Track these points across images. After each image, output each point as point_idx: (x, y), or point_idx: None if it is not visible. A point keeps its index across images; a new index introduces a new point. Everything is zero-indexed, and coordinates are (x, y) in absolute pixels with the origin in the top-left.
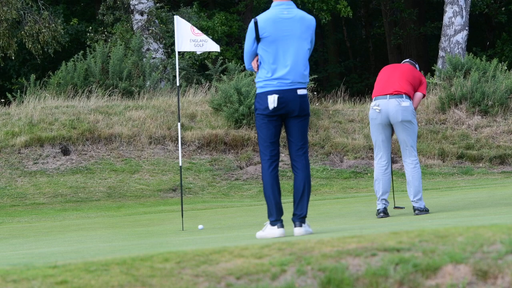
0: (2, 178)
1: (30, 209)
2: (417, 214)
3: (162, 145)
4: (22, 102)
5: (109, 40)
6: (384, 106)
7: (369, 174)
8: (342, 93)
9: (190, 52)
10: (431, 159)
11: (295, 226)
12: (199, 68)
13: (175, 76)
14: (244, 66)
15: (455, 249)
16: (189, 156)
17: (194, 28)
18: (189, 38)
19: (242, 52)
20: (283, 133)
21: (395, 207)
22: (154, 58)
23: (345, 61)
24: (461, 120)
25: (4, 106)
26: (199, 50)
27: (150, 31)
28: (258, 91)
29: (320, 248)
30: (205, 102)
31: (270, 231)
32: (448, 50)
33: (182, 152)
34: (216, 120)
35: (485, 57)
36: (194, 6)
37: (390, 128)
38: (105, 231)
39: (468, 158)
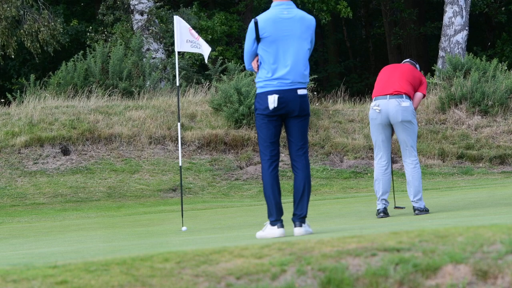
0: (2, 178)
1: (30, 209)
2: (417, 214)
3: (162, 145)
4: (22, 102)
5: (109, 40)
6: (384, 106)
7: (369, 174)
8: (342, 93)
9: (190, 52)
10: (431, 159)
11: (295, 226)
12: (199, 68)
13: (175, 76)
14: (244, 66)
15: (455, 249)
16: (189, 156)
17: (192, 30)
18: (186, 38)
19: (242, 52)
20: (283, 133)
21: (395, 207)
22: (154, 58)
23: (345, 61)
24: (461, 120)
25: (4, 106)
26: (195, 51)
27: (150, 31)
28: (258, 91)
29: (320, 248)
30: (205, 102)
31: (270, 231)
32: (448, 50)
33: (182, 152)
34: (216, 120)
35: (485, 57)
36: (194, 6)
37: (390, 128)
38: (105, 231)
39: (468, 158)
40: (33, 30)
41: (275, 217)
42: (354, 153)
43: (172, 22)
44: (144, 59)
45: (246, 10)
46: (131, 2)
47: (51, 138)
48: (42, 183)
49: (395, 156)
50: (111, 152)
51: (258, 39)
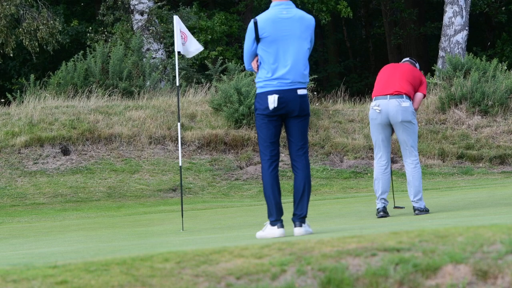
0: (2, 178)
1: (30, 209)
2: (417, 214)
3: (162, 145)
4: (22, 102)
5: (109, 40)
6: (384, 106)
7: (369, 174)
8: (342, 93)
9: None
10: (431, 159)
11: (295, 226)
12: (199, 68)
13: (175, 76)
14: (244, 66)
15: (455, 249)
16: (189, 156)
17: (184, 32)
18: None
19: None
20: (283, 133)
21: (395, 207)
22: (154, 58)
23: (345, 61)
24: (461, 120)
25: (4, 106)
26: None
27: (150, 31)
28: (258, 91)
29: (320, 248)
30: (205, 102)
31: (270, 231)
32: (448, 50)
33: (182, 152)
34: (216, 120)
35: (485, 57)
36: (194, 6)
37: (390, 128)
38: (105, 231)
39: (468, 158)
40: (32, 29)
41: (275, 217)
42: (354, 153)
43: (172, 22)
44: (144, 59)
45: (246, 10)
46: (131, 2)
47: (51, 138)
48: (42, 183)
49: (395, 156)
50: (111, 152)
51: (257, 39)
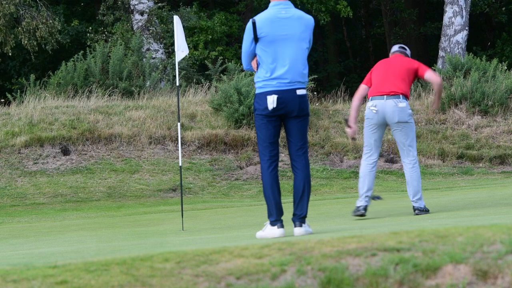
0: (2, 178)
1: (30, 209)
2: (417, 214)
3: (162, 145)
4: (22, 102)
5: (109, 40)
6: (381, 107)
7: None
8: (342, 93)
9: (190, 52)
10: (431, 159)
11: (295, 226)
12: (199, 68)
13: (175, 76)
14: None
15: (455, 249)
16: (189, 156)
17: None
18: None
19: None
20: (282, 133)
21: (373, 197)
22: (154, 58)
23: (345, 61)
24: (461, 120)
25: (4, 106)
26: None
27: (150, 31)
28: (257, 91)
29: (320, 248)
30: (205, 102)
31: (270, 231)
32: (448, 50)
33: (182, 152)
34: (216, 120)
35: (485, 57)
36: (194, 6)
37: (384, 128)
38: (105, 231)
39: (468, 158)
40: (31, 28)
41: (275, 217)
42: (354, 153)
43: (172, 22)
44: (144, 59)
45: (246, 10)
46: (131, 2)
47: (51, 138)
48: (42, 183)
49: (395, 156)
50: (111, 152)
51: (256, 39)
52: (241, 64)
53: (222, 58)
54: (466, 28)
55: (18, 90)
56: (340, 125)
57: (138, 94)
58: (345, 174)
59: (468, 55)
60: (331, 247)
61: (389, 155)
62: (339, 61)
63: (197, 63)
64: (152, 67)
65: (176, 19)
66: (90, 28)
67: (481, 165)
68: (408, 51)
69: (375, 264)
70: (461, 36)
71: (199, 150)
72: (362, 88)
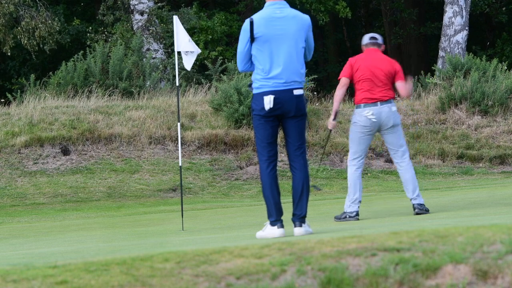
0: (2, 178)
1: (30, 209)
2: (417, 214)
3: (162, 145)
4: (22, 102)
5: (109, 40)
6: (377, 114)
7: (369, 174)
8: None
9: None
10: (431, 159)
11: (295, 226)
12: (199, 68)
13: (175, 76)
14: None
15: (455, 249)
16: (189, 156)
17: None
18: (188, 38)
19: None
20: (281, 133)
21: (313, 187)
22: (154, 58)
23: (345, 61)
24: (461, 120)
25: (4, 106)
26: (193, 50)
27: (151, 31)
28: (254, 91)
29: (320, 248)
30: (205, 102)
31: (270, 231)
32: (448, 50)
33: (182, 152)
34: (216, 120)
35: (485, 57)
36: (194, 6)
37: (375, 133)
38: (105, 231)
39: (468, 158)
40: (30, 28)
41: (275, 217)
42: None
43: (172, 22)
44: (144, 59)
45: (246, 10)
46: (131, 2)
47: (51, 138)
48: (42, 183)
49: None
50: (111, 152)
51: (252, 38)
52: None
53: (222, 58)
54: (466, 28)
55: (18, 90)
56: (340, 125)
57: (138, 94)
58: (345, 174)
59: (468, 55)
60: (331, 247)
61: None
62: (339, 61)
63: (197, 63)
64: (152, 67)
65: (176, 19)
66: (90, 28)
67: (481, 165)
68: (380, 40)
69: (375, 264)
70: (461, 36)
71: (199, 150)
72: (346, 81)
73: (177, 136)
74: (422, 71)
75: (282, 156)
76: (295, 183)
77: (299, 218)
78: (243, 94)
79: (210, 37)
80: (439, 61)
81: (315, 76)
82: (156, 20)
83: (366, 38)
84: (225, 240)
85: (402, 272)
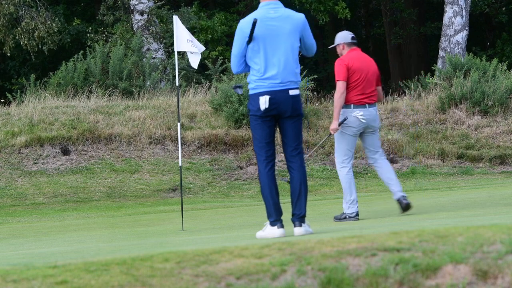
0: (2, 178)
1: (30, 209)
2: (405, 205)
3: (162, 145)
4: (22, 102)
5: (109, 40)
6: (367, 116)
7: (369, 174)
8: None
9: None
10: (431, 159)
11: (295, 226)
12: (199, 68)
13: (175, 76)
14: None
15: (455, 249)
16: (189, 156)
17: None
18: (187, 38)
19: None
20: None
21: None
22: (154, 58)
23: None
24: (461, 120)
25: (4, 106)
26: (194, 51)
27: (150, 31)
28: (250, 92)
29: (320, 248)
30: (205, 102)
31: (270, 231)
32: (448, 50)
33: (182, 152)
34: (216, 120)
35: (485, 57)
36: (194, 6)
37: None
38: (105, 231)
39: (468, 158)
40: (30, 28)
41: (275, 217)
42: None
43: (172, 22)
44: (144, 59)
45: (246, 10)
46: (131, 2)
47: (51, 138)
48: (42, 183)
49: (395, 156)
50: (111, 152)
51: (251, 38)
52: None
53: (222, 58)
54: (466, 28)
55: (18, 90)
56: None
57: (138, 94)
58: None
59: (468, 55)
60: (331, 247)
61: (389, 155)
62: None
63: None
64: (152, 67)
65: (176, 19)
66: (90, 28)
67: (481, 165)
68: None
69: (375, 264)
70: (461, 36)
71: (199, 150)
72: (345, 85)
73: (177, 136)
74: (422, 71)
75: (282, 156)
76: (293, 184)
77: (299, 218)
78: (243, 94)
79: (210, 37)
80: (439, 61)
81: (315, 76)
82: (156, 20)
83: (347, 37)
84: (225, 240)
85: (402, 272)
